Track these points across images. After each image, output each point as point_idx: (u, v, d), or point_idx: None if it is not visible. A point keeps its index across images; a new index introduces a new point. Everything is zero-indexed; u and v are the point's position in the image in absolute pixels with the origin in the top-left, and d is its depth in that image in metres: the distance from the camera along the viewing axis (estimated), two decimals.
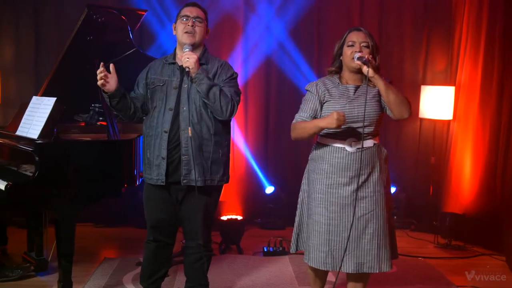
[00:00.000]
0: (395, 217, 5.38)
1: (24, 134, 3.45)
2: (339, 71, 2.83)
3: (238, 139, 5.39)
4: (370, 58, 2.64)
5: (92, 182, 3.27)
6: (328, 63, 2.93)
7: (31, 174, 3.15)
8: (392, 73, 5.51)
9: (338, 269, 2.73)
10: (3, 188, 3.07)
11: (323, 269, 2.79)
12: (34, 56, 5.27)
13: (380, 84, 2.65)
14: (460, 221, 4.84)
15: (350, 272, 2.76)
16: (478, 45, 4.95)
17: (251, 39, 5.36)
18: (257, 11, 5.34)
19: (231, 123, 5.25)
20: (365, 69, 2.62)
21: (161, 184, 2.90)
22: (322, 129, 2.70)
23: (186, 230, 3.08)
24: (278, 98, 5.43)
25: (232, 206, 5.25)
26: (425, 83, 5.43)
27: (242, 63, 5.35)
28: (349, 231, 2.70)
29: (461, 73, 5.12)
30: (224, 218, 4.66)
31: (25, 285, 3.65)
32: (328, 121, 2.60)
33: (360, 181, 2.71)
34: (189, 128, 2.82)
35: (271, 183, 5.41)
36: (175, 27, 2.95)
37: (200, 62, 2.88)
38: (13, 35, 5.27)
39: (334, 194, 2.73)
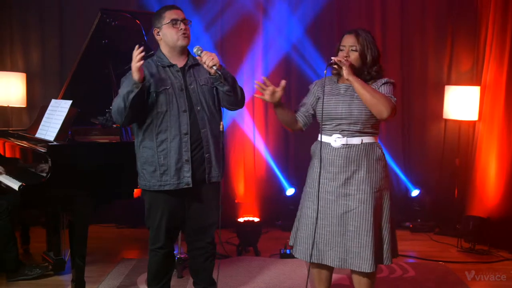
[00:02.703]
0: (412, 223, 5.28)
1: (42, 136, 3.55)
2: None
3: (258, 141, 5.38)
4: (342, 60, 2.68)
5: (104, 183, 3.33)
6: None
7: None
8: (415, 73, 5.43)
9: (324, 262, 2.79)
10: (16, 188, 3.16)
11: (307, 261, 2.83)
12: (59, 60, 5.40)
13: (354, 85, 2.68)
14: (484, 224, 4.69)
15: (335, 266, 2.80)
16: (503, 44, 4.81)
17: (270, 39, 5.34)
18: (275, 10, 5.32)
19: (251, 124, 5.33)
20: (344, 72, 2.68)
21: (186, 186, 2.87)
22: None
23: (197, 229, 3.05)
24: (298, 98, 5.29)
25: (249, 208, 5.25)
26: (450, 83, 5.30)
27: (262, 63, 5.35)
28: (331, 226, 2.75)
29: (486, 72, 4.98)
30: (241, 220, 4.66)
31: (43, 284, 3.74)
32: None
33: (344, 178, 2.73)
34: (221, 123, 2.94)
35: (292, 185, 5.38)
36: (157, 33, 2.93)
37: (192, 63, 2.95)
38: (38, 40, 5.42)
39: (321, 189, 2.79)
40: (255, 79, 5.28)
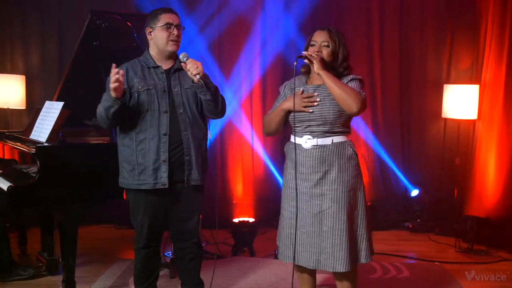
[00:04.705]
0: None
1: (36, 138, 3.58)
2: (309, 71, 2.85)
3: (256, 142, 5.37)
4: (313, 54, 2.67)
5: (93, 184, 3.34)
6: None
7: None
8: (414, 71, 5.39)
9: (299, 263, 2.78)
10: (5, 189, 3.19)
11: (286, 261, 2.83)
12: (58, 62, 5.45)
13: (325, 79, 2.67)
14: (482, 224, 4.63)
15: (310, 267, 2.78)
16: (502, 42, 4.77)
17: (266, 38, 5.34)
18: (271, 10, 5.31)
19: (249, 125, 5.32)
20: (315, 66, 2.67)
21: (162, 187, 2.89)
22: (284, 111, 2.79)
23: (181, 230, 3.07)
24: None
25: (247, 208, 5.25)
26: (449, 81, 5.25)
27: (259, 65, 5.35)
28: (306, 227, 2.73)
29: (486, 71, 4.93)
30: (236, 220, 4.66)
31: (36, 284, 3.77)
32: (288, 102, 2.76)
33: (316, 178, 2.72)
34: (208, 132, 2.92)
35: None
36: (149, 32, 2.94)
37: (179, 67, 2.96)
38: (38, 42, 5.48)
39: (294, 190, 2.78)
40: (252, 78, 5.32)
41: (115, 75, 2.68)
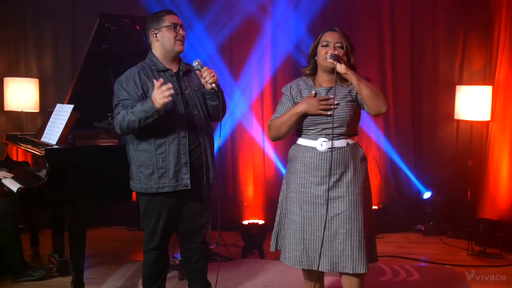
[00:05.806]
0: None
1: (46, 140, 3.63)
2: (313, 72, 2.83)
3: (267, 144, 5.37)
4: (340, 55, 2.64)
5: (101, 186, 3.37)
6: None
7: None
8: (426, 72, 5.34)
9: (315, 268, 2.73)
10: (15, 190, 3.24)
11: (298, 267, 2.79)
12: (71, 66, 5.50)
13: (353, 79, 2.63)
14: (495, 227, 4.56)
15: (326, 271, 2.75)
16: None
17: (276, 40, 5.33)
18: (280, 11, 5.30)
19: (259, 128, 5.32)
20: (338, 66, 2.61)
21: (184, 188, 2.90)
22: (299, 114, 2.70)
23: (189, 230, 3.09)
24: None
25: (258, 211, 5.24)
26: (461, 82, 5.20)
27: (269, 66, 5.34)
28: (322, 231, 2.68)
29: (499, 72, 4.87)
30: (245, 222, 4.66)
31: (46, 285, 3.81)
32: (304, 105, 2.68)
33: (332, 181, 2.69)
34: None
35: None
36: (155, 34, 2.95)
37: (185, 70, 3.01)
38: (52, 46, 5.56)
39: (307, 194, 2.73)
40: (262, 80, 5.32)
41: (168, 89, 2.69)
